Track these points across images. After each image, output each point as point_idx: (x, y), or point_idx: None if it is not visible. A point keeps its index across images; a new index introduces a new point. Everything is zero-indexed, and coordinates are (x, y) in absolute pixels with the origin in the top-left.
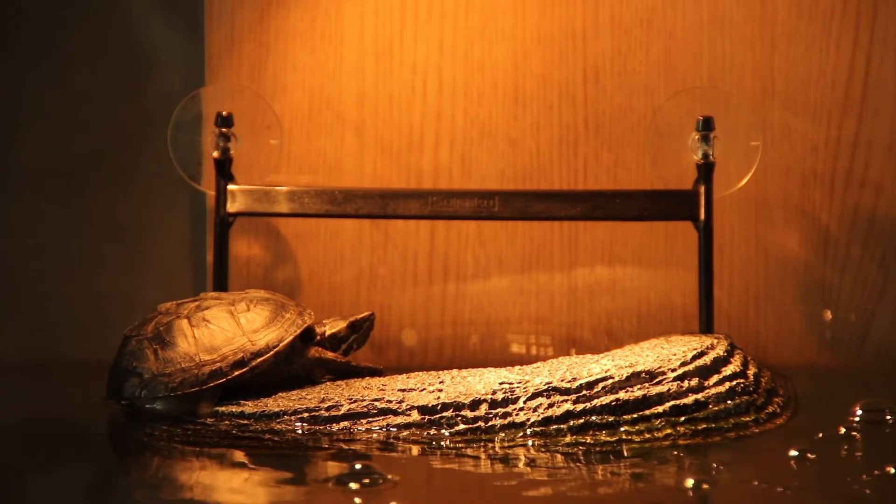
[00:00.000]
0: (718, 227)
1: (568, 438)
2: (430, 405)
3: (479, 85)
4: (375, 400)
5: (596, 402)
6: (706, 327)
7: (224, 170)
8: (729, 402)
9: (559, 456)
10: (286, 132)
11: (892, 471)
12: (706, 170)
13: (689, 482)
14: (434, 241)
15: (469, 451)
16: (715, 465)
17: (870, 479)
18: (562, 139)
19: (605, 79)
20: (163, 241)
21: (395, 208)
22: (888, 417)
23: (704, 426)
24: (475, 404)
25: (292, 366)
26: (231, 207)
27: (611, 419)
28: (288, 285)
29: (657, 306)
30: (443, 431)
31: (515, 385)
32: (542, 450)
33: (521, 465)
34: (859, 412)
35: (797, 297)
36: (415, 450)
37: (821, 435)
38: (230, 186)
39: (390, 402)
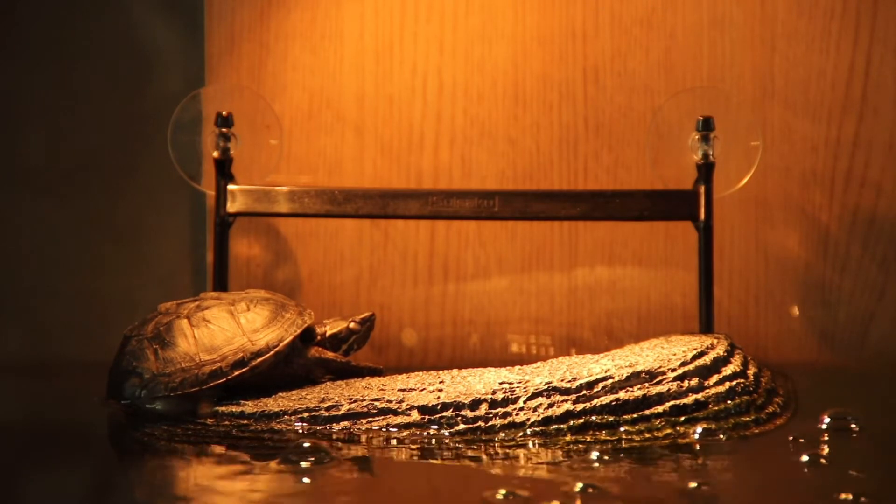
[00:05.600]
0: (718, 227)
1: (568, 438)
2: (430, 405)
3: (479, 85)
4: (375, 400)
5: (596, 402)
6: (706, 327)
7: (224, 170)
8: (729, 402)
9: (559, 456)
10: (286, 132)
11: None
12: (706, 170)
13: (689, 482)
14: (434, 241)
15: (469, 451)
16: (714, 465)
17: (869, 480)
18: (562, 139)
19: (605, 79)
20: (163, 241)
21: (395, 208)
22: (853, 426)
23: (704, 426)
24: (475, 404)
25: (292, 366)
26: (231, 207)
27: (611, 419)
28: (288, 285)
29: (657, 306)
30: (443, 431)
31: (515, 385)
32: (542, 449)
33: (520, 464)
34: (827, 420)
35: (797, 297)
36: (414, 449)
37: (819, 435)
38: (230, 186)
39: (390, 402)
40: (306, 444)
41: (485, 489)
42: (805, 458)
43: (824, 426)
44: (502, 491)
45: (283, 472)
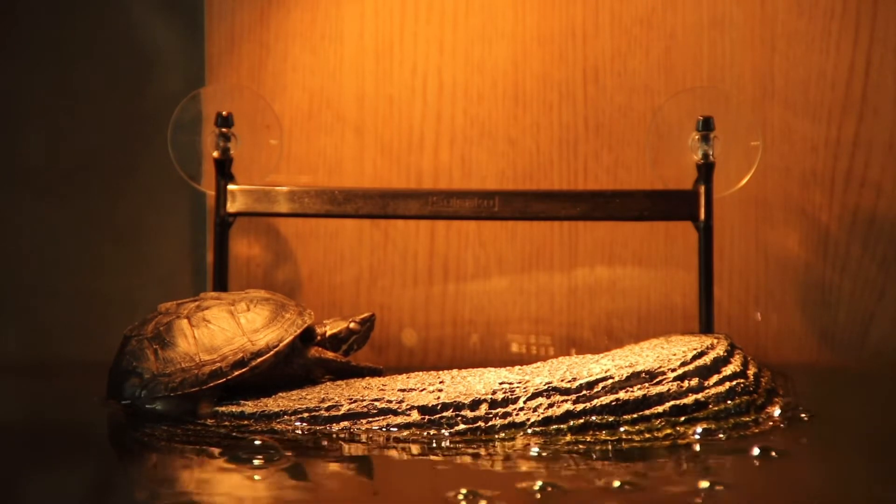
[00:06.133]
0: (718, 227)
1: (568, 438)
2: (430, 405)
3: (479, 85)
4: (375, 400)
5: (596, 402)
6: (706, 327)
7: (224, 170)
8: (729, 402)
9: (559, 456)
10: (286, 132)
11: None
12: (706, 170)
13: (689, 482)
14: (434, 241)
15: (469, 450)
16: (713, 465)
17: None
18: (562, 139)
19: (605, 79)
20: (163, 242)
21: (395, 208)
22: (803, 415)
23: (704, 426)
24: (475, 404)
25: (292, 366)
26: (231, 207)
27: (611, 419)
28: (288, 285)
29: (657, 306)
30: (443, 431)
31: (515, 385)
32: (542, 450)
33: (520, 464)
34: (777, 411)
35: (797, 297)
36: (414, 449)
37: (816, 434)
38: (230, 186)
39: (390, 402)
40: (257, 442)
41: (452, 489)
42: (757, 451)
43: (776, 414)
44: (463, 490)
45: (282, 472)
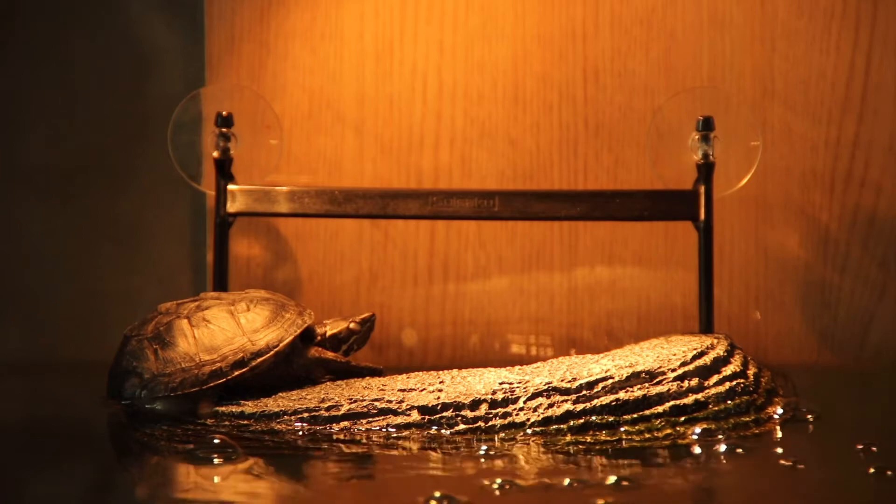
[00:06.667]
0: (718, 227)
1: (568, 438)
2: (430, 405)
3: (479, 85)
4: (375, 400)
5: (596, 402)
6: (706, 327)
7: (224, 170)
8: (729, 402)
9: (559, 456)
10: (286, 132)
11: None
12: (706, 170)
13: (688, 482)
14: (434, 241)
15: (467, 450)
16: (713, 465)
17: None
18: (562, 139)
19: (605, 79)
20: (163, 242)
21: (395, 208)
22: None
23: (704, 426)
24: (475, 404)
25: (292, 366)
26: (231, 207)
27: (611, 419)
28: (288, 285)
29: (657, 306)
30: (443, 431)
31: (515, 385)
32: (542, 450)
33: (521, 464)
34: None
35: (797, 297)
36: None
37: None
38: (230, 186)
39: (390, 402)
40: (216, 441)
41: (440, 489)
42: (756, 451)
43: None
44: (437, 493)
45: (281, 471)
